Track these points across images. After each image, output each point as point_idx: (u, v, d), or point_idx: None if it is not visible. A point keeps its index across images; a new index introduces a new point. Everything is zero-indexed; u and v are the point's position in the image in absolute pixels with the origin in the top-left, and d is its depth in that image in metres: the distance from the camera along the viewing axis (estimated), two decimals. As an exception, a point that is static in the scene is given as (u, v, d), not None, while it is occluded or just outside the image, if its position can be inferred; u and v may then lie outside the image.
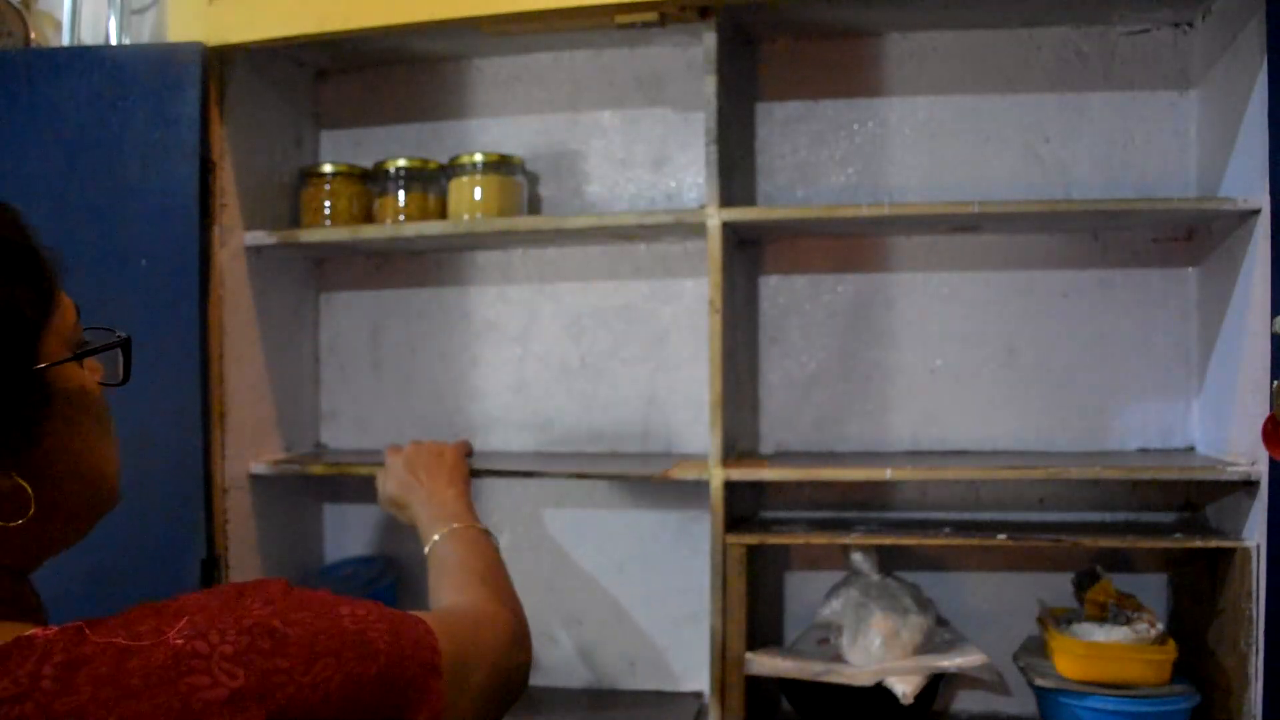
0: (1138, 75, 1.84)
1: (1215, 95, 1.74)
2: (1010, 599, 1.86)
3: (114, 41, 1.97)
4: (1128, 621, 1.64)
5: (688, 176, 1.99)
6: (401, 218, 1.92)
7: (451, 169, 1.92)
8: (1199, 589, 1.71)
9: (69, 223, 1.72)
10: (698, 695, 1.95)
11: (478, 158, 1.89)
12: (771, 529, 1.78)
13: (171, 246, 1.74)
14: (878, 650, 1.68)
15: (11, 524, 0.69)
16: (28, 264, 0.70)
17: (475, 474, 1.66)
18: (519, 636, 1.09)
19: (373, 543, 2.12)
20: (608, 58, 2.01)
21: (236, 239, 1.86)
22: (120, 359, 0.80)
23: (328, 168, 1.95)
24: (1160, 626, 1.63)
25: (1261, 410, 1.48)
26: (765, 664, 1.71)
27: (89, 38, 2.01)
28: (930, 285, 1.92)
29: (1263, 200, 1.53)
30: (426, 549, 1.34)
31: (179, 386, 1.73)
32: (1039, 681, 1.65)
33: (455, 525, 1.35)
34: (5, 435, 0.68)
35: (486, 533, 1.37)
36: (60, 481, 0.73)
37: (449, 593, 1.19)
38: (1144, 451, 1.85)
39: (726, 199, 1.71)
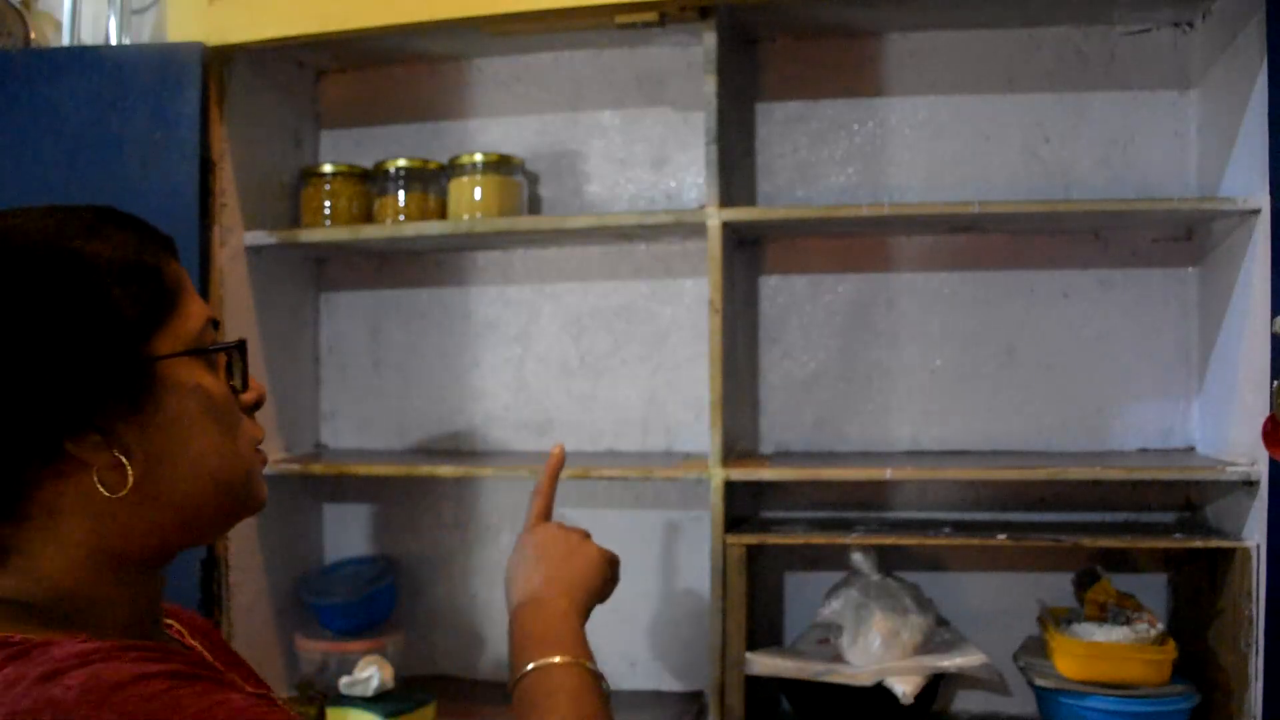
0: (1138, 75, 1.84)
1: (1215, 95, 1.74)
2: (1010, 599, 1.86)
3: (114, 41, 1.97)
4: (1128, 621, 1.64)
5: (688, 176, 1.99)
6: (401, 218, 1.92)
7: (451, 169, 1.92)
8: (1199, 589, 1.71)
9: (69, 223, 1.72)
10: (698, 695, 1.95)
11: (478, 158, 1.89)
12: (771, 529, 1.78)
13: (171, 246, 1.73)
14: (878, 650, 1.68)
15: (115, 495, 0.76)
16: (140, 276, 0.78)
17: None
18: None
19: (373, 543, 2.12)
20: (608, 58, 2.01)
21: (236, 239, 1.86)
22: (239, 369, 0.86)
23: (328, 168, 1.95)
24: (1160, 626, 1.63)
25: (1261, 410, 1.48)
26: (765, 664, 1.71)
27: (89, 38, 2.01)
28: (930, 285, 1.92)
29: (1263, 200, 1.53)
30: (512, 680, 0.97)
31: (179, 386, 1.73)
32: (1039, 681, 1.65)
33: (557, 659, 0.96)
34: (107, 412, 0.76)
35: (598, 677, 0.98)
36: (166, 468, 0.79)
37: None
38: (1144, 451, 1.85)
39: (726, 199, 1.71)
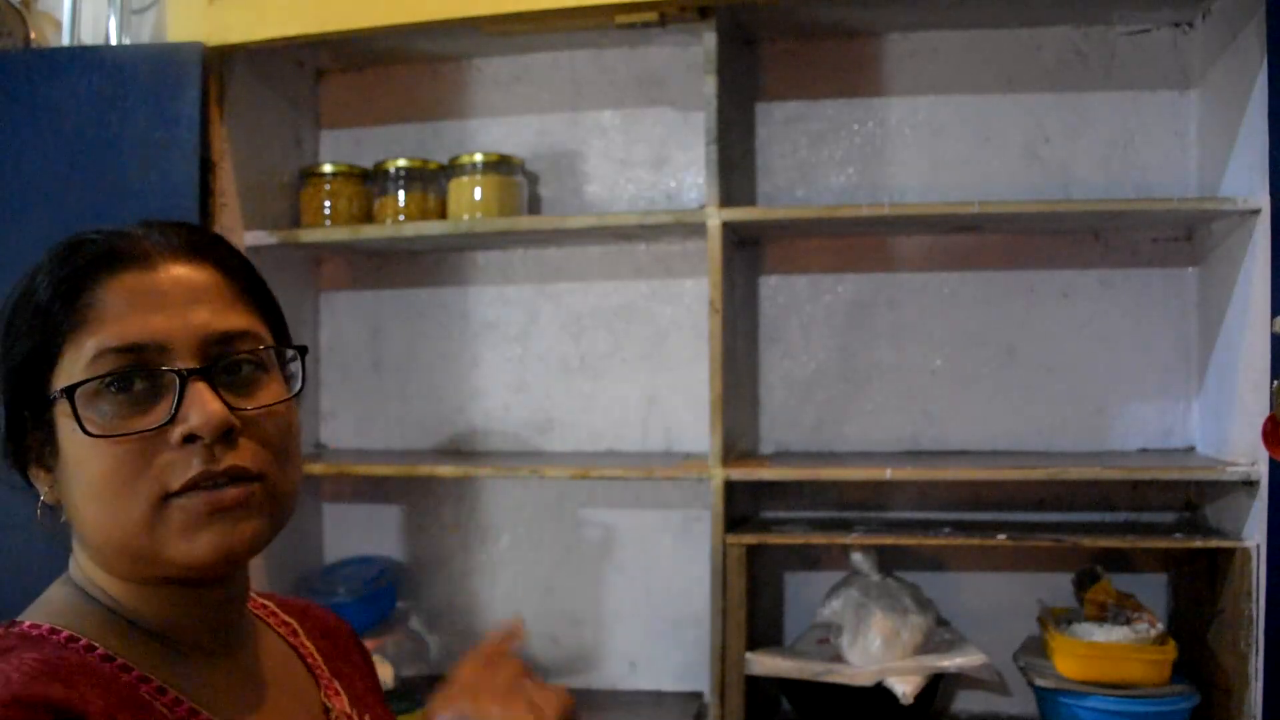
0: (1138, 75, 1.84)
1: (1215, 95, 1.74)
2: (1010, 599, 1.86)
3: (114, 41, 1.97)
4: (1128, 621, 1.64)
5: (688, 176, 1.99)
6: (401, 218, 1.92)
7: (451, 169, 1.92)
8: (1199, 589, 1.71)
9: (69, 223, 1.71)
10: (698, 695, 1.95)
11: (478, 158, 1.89)
12: (771, 529, 1.78)
13: (171, 246, 1.73)
14: (878, 650, 1.68)
15: (61, 518, 0.78)
16: (22, 316, 0.77)
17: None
18: None
19: (373, 543, 2.12)
20: (608, 58, 2.01)
21: (236, 239, 1.86)
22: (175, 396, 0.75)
23: (328, 168, 1.95)
24: (1160, 626, 1.63)
25: (1261, 410, 1.48)
26: (765, 664, 1.71)
27: (89, 38, 2.01)
28: (930, 285, 1.92)
29: (1263, 200, 1.54)
30: None
31: (179, 386, 1.73)
32: (1039, 681, 1.64)
33: None
34: (36, 452, 0.77)
35: None
36: (73, 515, 0.77)
37: None
38: (1144, 451, 1.85)
39: (726, 199, 1.71)
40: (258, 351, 0.79)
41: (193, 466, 0.73)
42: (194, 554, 0.74)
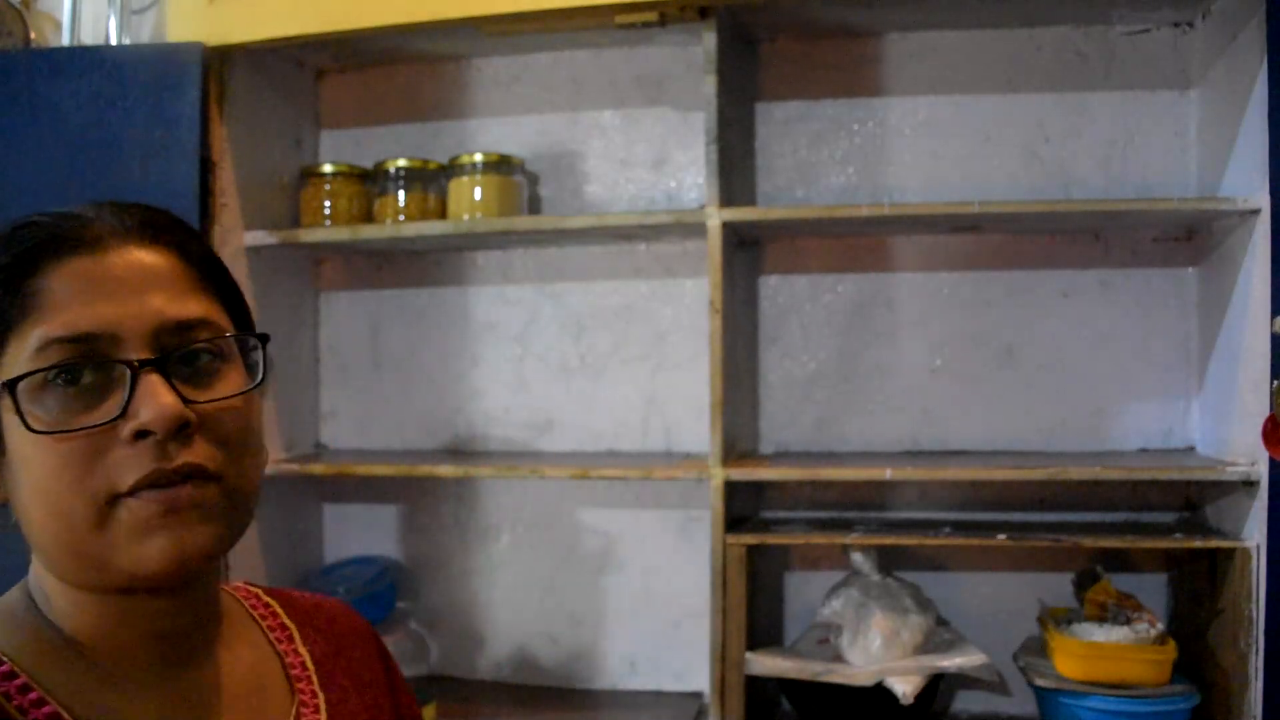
0: (1138, 75, 1.84)
1: (1215, 95, 1.74)
2: (1010, 599, 1.86)
3: (114, 41, 1.97)
4: (1128, 621, 1.64)
5: (688, 176, 1.99)
6: (401, 218, 1.92)
7: (451, 169, 1.92)
8: (1199, 589, 1.71)
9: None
10: (698, 695, 1.95)
11: (478, 158, 1.89)
12: (771, 529, 1.78)
13: (171, 246, 1.74)
14: (878, 650, 1.68)
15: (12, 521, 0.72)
16: None
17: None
18: None
19: (373, 543, 2.12)
20: (608, 58, 2.01)
21: (236, 239, 1.86)
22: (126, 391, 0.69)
23: (328, 168, 1.95)
24: (1160, 626, 1.63)
25: (1261, 410, 1.48)
26: (765, 664, 1.71)
27: (89, 38, 2.01)
28: (930, 285, 1.92)
29: (1263, 200, 1.54)
30: None
31: (179, 386, 1.73)
32: (1039, 681, 1.65)
33: None
34: None
35: None
36: (19, 513, 0.72)
37: None
38: (1144, 451, 1.85)
39: (726, 199, 1.71)
40: (216, 340, 0.73)
41: (144, 465, 0.68)
42: (144, 561, 0.69)
